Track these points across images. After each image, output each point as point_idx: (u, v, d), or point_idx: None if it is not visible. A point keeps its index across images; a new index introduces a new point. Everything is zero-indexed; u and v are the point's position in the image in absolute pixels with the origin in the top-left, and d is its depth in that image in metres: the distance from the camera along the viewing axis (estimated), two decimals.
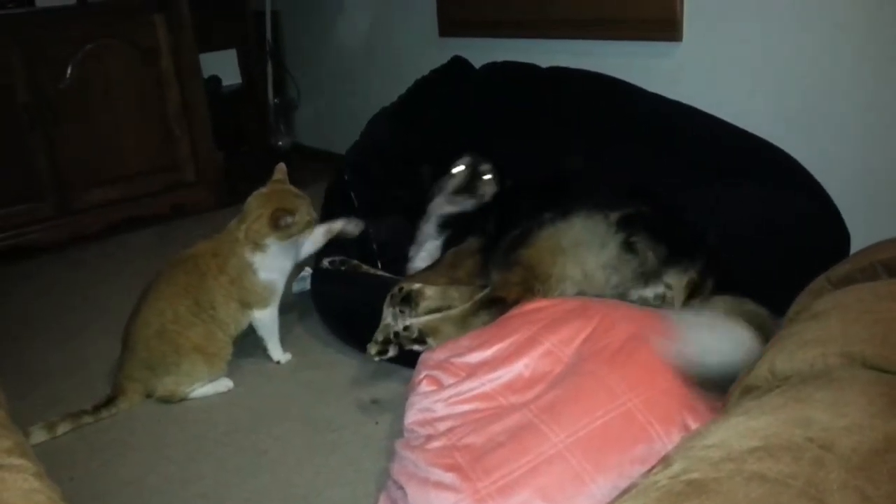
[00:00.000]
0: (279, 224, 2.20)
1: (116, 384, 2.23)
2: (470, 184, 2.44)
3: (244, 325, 2.33)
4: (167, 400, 2.23)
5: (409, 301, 2.02)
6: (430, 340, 1.90)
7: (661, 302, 1.92)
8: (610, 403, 1.52)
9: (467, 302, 1.98)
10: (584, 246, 1.95)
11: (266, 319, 2.35)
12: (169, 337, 2.19)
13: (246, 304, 2.28)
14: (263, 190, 2.32)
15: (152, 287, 2.26)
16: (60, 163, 3.46)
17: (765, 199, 2.14)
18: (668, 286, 1.92)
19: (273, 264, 2.28)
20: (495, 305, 1.91)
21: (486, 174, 2.47)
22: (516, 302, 1.89)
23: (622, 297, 1.92)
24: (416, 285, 2.05)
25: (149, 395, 2.24)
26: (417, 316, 1.99)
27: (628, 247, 1.92)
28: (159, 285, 2.25)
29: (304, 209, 2.27)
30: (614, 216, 1.98)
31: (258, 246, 2.24)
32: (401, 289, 2.05)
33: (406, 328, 1.92)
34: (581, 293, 1.92)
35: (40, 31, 3.34)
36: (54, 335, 2.72)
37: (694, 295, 1.87)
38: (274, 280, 2.30)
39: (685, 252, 1.94)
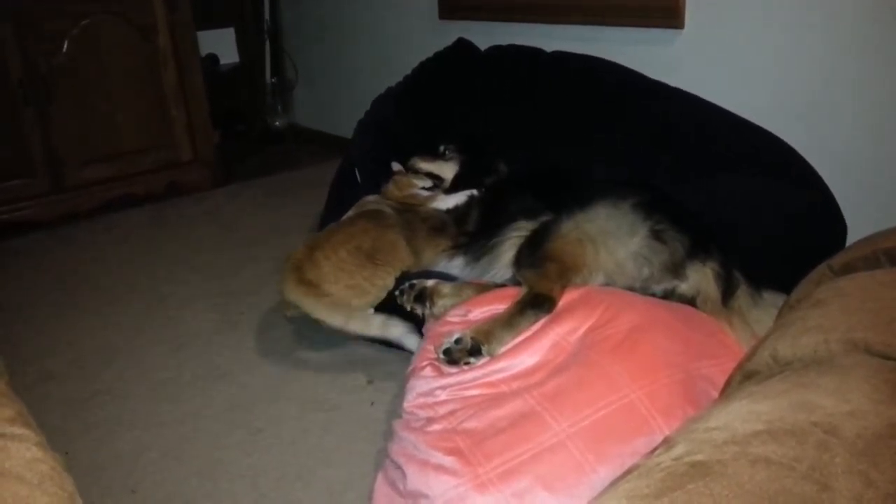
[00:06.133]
0: None
1: None
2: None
3: None
4: None
5: (422, 299, 1.98)
6: (484, 349, 1.74)
7: (697, 296, 1.86)
8: (613, 394, 1.52)
9: (478, 296, 1.96)
10: (612, 234, 1.89)
11: None
12: None
13: None
14: None
15: None
16: (54, 139, 3.43)
17: (763, 189, 2.14)
18: (697, 280, 1.87)
19: None
20: (544, 303, 1.80)
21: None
22: (560, 296, 1.82)
23: (647, 291, 1.86)
24: (430, 282, 2.01)
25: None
26: (433, 312, 1.95)
27: (656, 235, 1.87)
28: None
29: None
30: (631, 201, 1.93)
31: None
32: (412, 285, 2.02)
33: (458, 340, 1.76)
34: (609, 284, 1.87)
35: (36, 5, 3.30)
36: (46, 311, 2.70)
37: (730, 290, 1.83)
38: None
39: (702, 242, 1.90)
